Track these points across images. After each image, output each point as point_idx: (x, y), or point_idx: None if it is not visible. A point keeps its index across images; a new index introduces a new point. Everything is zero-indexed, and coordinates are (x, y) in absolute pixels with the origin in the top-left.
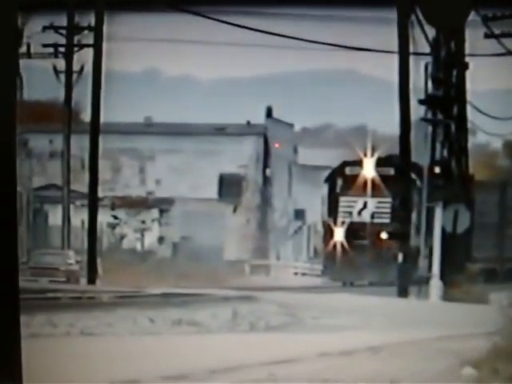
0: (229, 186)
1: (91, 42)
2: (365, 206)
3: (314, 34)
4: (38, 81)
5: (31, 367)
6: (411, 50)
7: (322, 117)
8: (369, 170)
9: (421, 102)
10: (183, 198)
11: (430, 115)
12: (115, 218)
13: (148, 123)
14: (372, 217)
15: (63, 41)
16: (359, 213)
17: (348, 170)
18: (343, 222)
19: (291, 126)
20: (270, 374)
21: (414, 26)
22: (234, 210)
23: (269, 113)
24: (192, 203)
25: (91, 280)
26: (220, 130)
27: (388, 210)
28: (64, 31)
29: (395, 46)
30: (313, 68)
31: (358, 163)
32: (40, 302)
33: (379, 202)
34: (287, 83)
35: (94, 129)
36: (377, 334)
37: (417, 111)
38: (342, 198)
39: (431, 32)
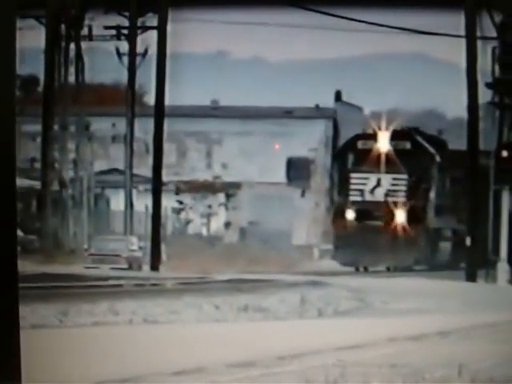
0: (297, 170)
1: (155, 23)
2: (378, 183)
3: (383, 18)
4: (100, 63)
5: (94, 354)
6: (478, 34)
7: (390, 100)
8: (383, 144)
9: (488, 85)
10: (251, 182)
11: (497, 99)
12: (180, 202)
13: (215, 106)
14: (386, 195)
15: (126, 23)
16: (372, 191)
17: (360, 144)
18: (355, 202)
19: (360, 109)
20: (339, 360)
21: (481, 11)
22: (303, 194)
23: (338, 96)
24: (260, 187)
25: (155, 267)
26: (289, 114)
27: (404, 188)
28: (127, 13)
29: (463, 31)
30: (381, 52)
31: (372, 136)
32: (102, 289)
33: (394, 179)
34: (356, 66)
35: (159, 112)
36: (446, 318)
37: (485, 95)
38: (353, 175)
39: (498, 16)
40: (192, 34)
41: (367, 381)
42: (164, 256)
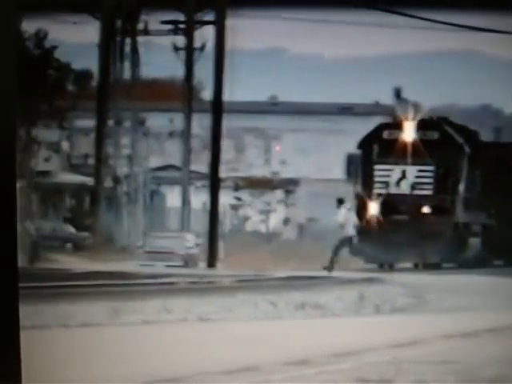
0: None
1: (213, 18)
2: (404, 175)
3: (440, 16)
4: (156, 58)
5: (144, 353)
6: None
7: (447, 96)
8: (410, 134)
9: None
10: (309, 178)
11: None
12: (238, 199)
13: (273, 102)
14: (412, 188)
15: (183, 17)
16: (397, 183)
17: (386, 134)
18: (379, 195)
19: (418, 105)
20: (393, 357)
21: None
22: None
23: (397, 93)
24: (318, 184)
25: (211, 264)
26: (347, 110)
27: (431, 180)
28: (184, 8)
29: None
30: (439, 49)
31: (398, 126)
32: (155, 287)
33: (420, 171)
34: (414, 63)
35: (217, 107)
36: (501, 315)
37: None
38: (377, 167)
39: None
40: (250, 30)
41: (422, 378)
42: (221, 253)
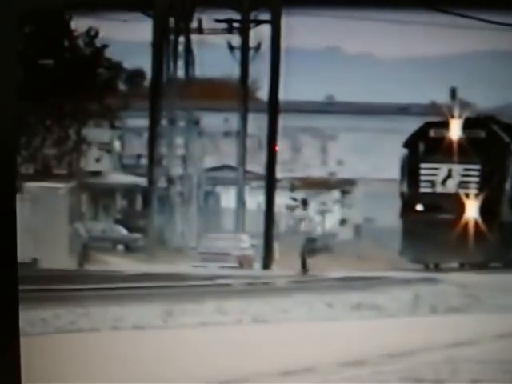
0: None
1: (268, 17)
2: (450, 173)
3: (496, 15)
4: (211, 57)
5: (199, 355)
6: None
7: (504, 96)
8: (456, 133)
9: None
10: (366, 178)
11: None
12: (294, 199)
13: (330, 102)
14: (458, 186)
15: (237, 16)
16: (443, 182)
17: (432, 133)
18: (425, 194)
19: (466, 104)
20: (449, 357)
21: None
22: None
23: (453, 93)
24: (375, 184)
25: (266, 265)
26: (403, 110)
27: (477, 179)
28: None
29: None
30: (495, 48)
31: (444, 124)
32: (209, 288)
33: (466, 170)
34: (470, 63)
35: (273, 107)
36: None
37: None
38: (423, 165)
39: None
40: (306, 29)
41: (477, 377)
42: (277, 254)
